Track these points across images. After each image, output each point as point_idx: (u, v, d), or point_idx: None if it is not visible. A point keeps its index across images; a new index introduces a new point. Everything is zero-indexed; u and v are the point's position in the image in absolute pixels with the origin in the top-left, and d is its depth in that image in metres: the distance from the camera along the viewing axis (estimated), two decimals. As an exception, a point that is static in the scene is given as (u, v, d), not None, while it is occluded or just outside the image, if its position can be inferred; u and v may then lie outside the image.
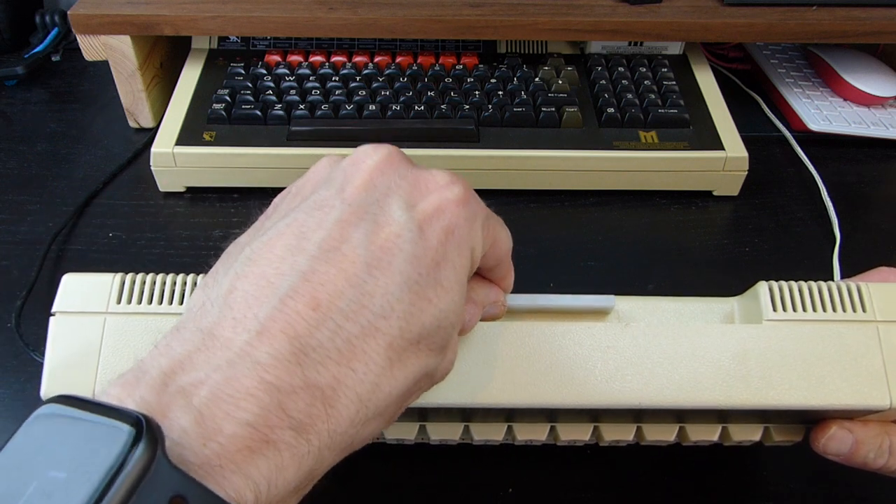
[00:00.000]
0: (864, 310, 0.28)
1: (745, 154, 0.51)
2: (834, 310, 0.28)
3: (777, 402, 0.27)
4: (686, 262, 0.48)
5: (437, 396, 0.26)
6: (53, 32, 0.64)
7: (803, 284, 0.29)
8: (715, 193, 0.53)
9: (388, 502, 0.36)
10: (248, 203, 0.51)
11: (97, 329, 0.27)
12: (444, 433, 0.32)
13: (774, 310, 0.28)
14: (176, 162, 0.50)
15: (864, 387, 0.27)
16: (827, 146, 0.58)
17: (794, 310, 0.28)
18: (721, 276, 0.48)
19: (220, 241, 0.48)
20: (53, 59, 0.65)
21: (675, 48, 0.58)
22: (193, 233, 0.49)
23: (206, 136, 0.50)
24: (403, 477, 0.37)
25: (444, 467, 0.37)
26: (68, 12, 0.52)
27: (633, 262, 0.48)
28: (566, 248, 0.49)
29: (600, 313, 0.31)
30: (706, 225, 0.51)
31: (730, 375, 0.27)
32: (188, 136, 0.50)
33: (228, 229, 0.49)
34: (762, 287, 0.29)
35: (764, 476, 0.37)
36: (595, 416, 0.31)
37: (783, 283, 0.29)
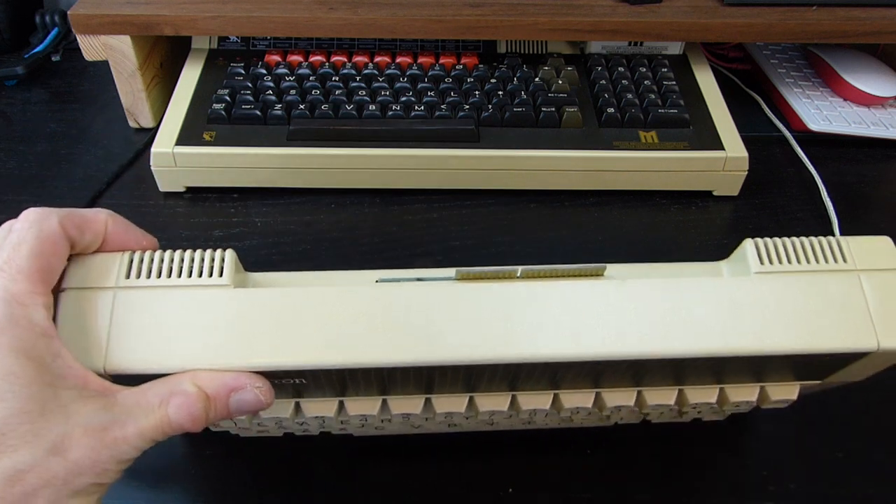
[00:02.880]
0: (844, 260, 0.30)
1: (745, 154, 0.51)
2: (817, 261, 0.30)
3: (770, 348, 0.28)
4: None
5: (441, 355, 0.27)
6: (53, 32, 0.64)
7: (787, 240, 0.31)
8: (715, 193, 0.53)
9: (388, 502, 0.36)
10: (248, 203, 0.51)
11: (107, 304, 0.27)
12: (450, 406, 0.33)
13: (761, 263, 0.30)
14: (176, 162, 0.50)
15: (852, 331, 0.28)
16: (827, 146, 0.58)
17: (780, 262, 0.30)
18: (721, 276, 0.48)
19: (220, 241, 0.48)
20: (53, 59, 0.65)
21: (675, 48, 0.58)
22: (193, 233, 0.49)
23: (206, 136, 0.50)
24: (403, 477, 0.37)
25: (443, 466, 0.37)
26: (68, 12, 0.52)
27: (633, 262, 0.48)
28: (566, 248, 0.49)
29: (596, 274, 0.32)
30: (706, 225, 0.51)
31: (724, 325, 0.28)
32: (188, 136, 0.50)
33: (228, 229, 0.49)
34: (748, 243, 0.31)
35: (764, 476, 0.37)
36: (596, 378, 0.32)
37: (768, 239, 0.31)
